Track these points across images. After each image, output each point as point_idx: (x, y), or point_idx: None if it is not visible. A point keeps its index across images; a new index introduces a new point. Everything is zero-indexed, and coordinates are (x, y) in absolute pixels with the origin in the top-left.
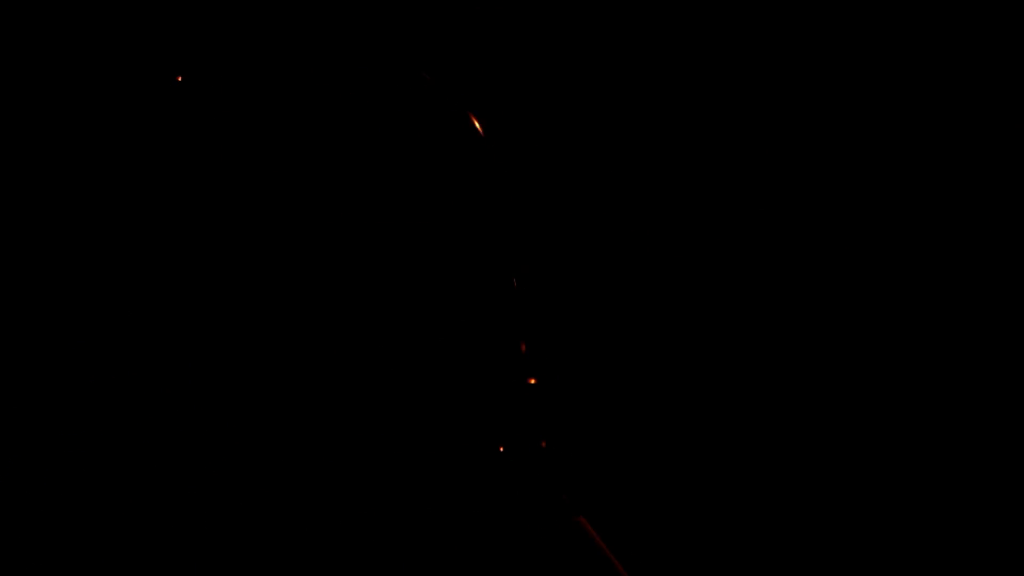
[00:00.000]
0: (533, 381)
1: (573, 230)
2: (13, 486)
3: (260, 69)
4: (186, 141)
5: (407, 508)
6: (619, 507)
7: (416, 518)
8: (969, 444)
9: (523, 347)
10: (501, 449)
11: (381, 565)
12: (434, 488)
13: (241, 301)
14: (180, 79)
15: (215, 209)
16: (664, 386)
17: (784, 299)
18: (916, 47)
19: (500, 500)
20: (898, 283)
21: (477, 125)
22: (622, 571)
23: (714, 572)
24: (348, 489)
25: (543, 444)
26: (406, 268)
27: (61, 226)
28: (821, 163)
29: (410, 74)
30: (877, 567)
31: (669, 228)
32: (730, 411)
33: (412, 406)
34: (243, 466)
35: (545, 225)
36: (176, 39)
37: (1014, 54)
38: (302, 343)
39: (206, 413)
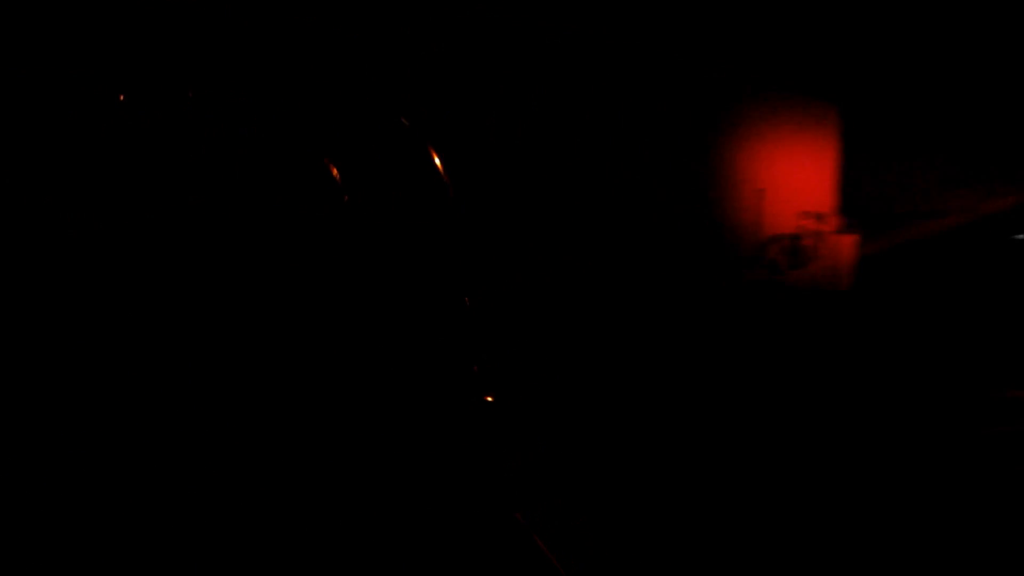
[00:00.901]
0: (490, 399)
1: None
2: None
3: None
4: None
5: (365, 528)
6: (570, 523)
7: (374, 538)
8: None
9: (475, 368)
10: (457, 460)
11: None
12: (393, 507)
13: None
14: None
15: (207, 218)
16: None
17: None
18: None
19: (456, 518)
20: None
21: (438, 162)
22: None
23: None
24: (306, 510)
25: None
26: (363, 289)
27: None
28: None
29: (390, 118)
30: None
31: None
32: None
33: (373, 424)
34: (203, 478)
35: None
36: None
37: None
38: (261, 360)
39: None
